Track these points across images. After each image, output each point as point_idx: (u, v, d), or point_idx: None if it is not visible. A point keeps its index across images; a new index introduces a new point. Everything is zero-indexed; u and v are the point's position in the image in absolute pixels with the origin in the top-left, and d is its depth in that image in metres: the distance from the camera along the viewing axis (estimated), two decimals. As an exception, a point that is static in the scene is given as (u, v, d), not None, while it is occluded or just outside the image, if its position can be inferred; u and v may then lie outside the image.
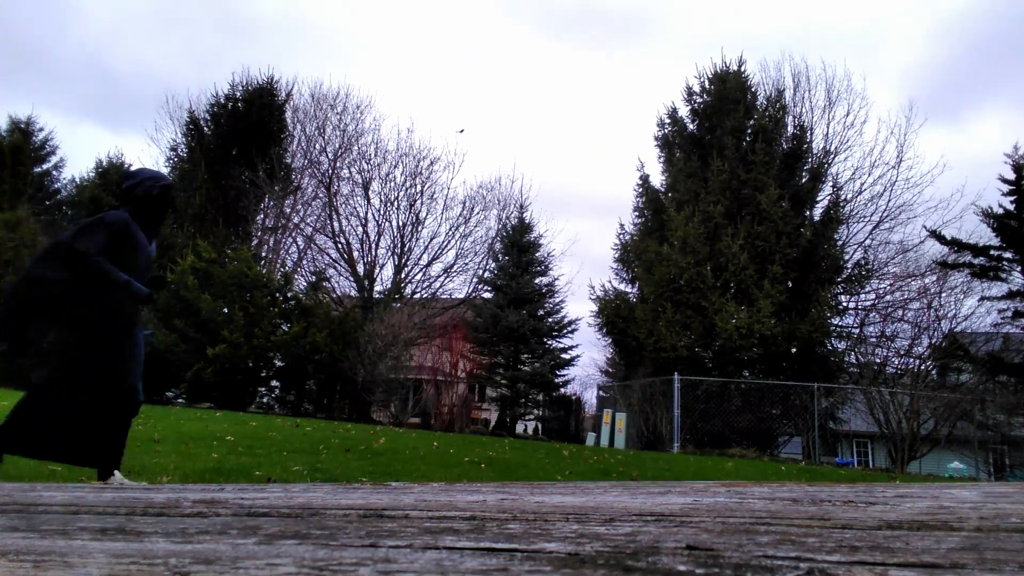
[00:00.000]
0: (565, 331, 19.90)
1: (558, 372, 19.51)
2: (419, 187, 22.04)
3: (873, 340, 17.51)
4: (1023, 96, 39.54)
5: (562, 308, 20.24)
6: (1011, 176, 15.79)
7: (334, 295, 20.64)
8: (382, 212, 22.02)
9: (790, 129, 18.25)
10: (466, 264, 22.41)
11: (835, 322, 17.12)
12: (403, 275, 21.76)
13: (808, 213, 17.65)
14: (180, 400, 16.98)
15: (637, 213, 19.50)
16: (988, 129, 36.94)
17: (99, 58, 49.39)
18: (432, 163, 22.27)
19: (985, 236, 16.16)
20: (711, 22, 43.86)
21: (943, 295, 16.82)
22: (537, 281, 19.94)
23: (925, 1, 40.64)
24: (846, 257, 17.83)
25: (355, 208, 22.32)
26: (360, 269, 21.82)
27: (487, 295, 20.92)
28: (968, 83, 42.11)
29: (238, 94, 20.78)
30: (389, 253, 21.99)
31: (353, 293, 21.55)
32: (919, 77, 42.33)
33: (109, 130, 50.27)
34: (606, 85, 55.59)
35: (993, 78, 42.97)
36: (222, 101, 20.62)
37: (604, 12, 56.17)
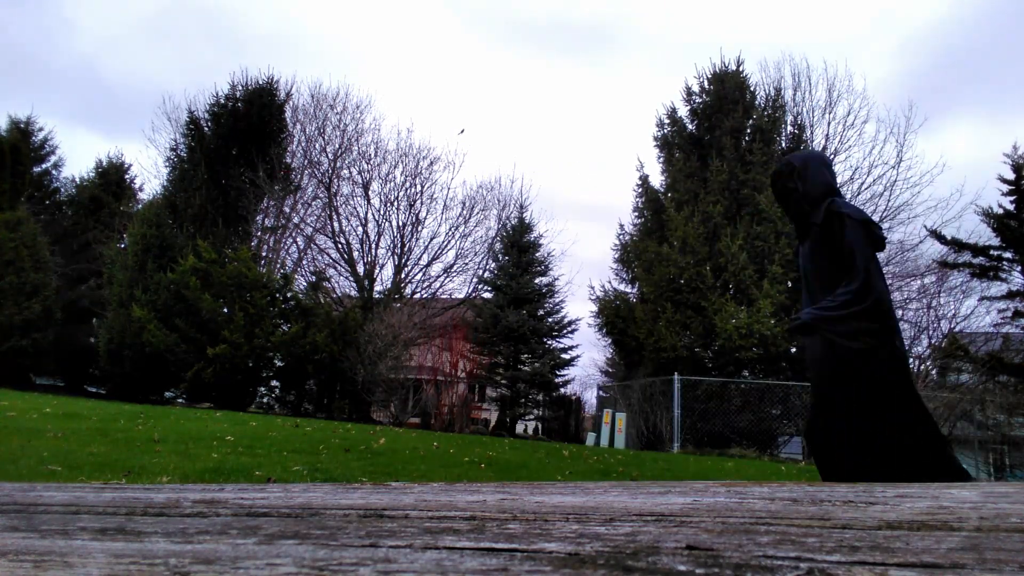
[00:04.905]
0: (565, 331, 19.89)
1: (558, 372, 19.50)
2: (419, 187, 22.05)
3: (873, 340, 17.51)
4: (986, 106, 40.40)
5: (562, 308, 20.24)
6: (1010, 176, 15.79)
7: (334, 295, 20.64)
8: (382, 212, 22.04)
9: (789, 129, 18.26)
10: (466, 264, 22.43)
11: (835, 322, 17.10)
12: (403, 275, 21.76)
13: (808, 213, 17.66)
14: (180, 400, 16.99)
15: (637, 213, 19.50)
16: (957, 137, 37.63)
17: (92, 68, 49.59)
18: (432, 163, 22.27)
19: (985, 236, 16.16)
20: (707, 25, 43.94)
21: (943, 295, 16.83)
22: (537, 281, 19.93)
23: (890, 19, 41.36)
24: (846, 257, 17.84)
25: (355, 208, 22.33)
26: (360, 269, 21.82)
27: (487, 295, 20.91)
28: (936, 93, 42.90)
29: (238, 94, 20.76)
30: (389, 253, 22.00)
31: (353, 293, 21.54)
32: (890, 87, 43.06)
33: (104, 136, 50.45)
34: (605, 88, 55.63)
35: (957, 91, 43.76)
36: (222, 101, 20.61)
37: (602, 14, 56.22)
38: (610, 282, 19.55)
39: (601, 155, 57.33)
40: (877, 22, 42.73)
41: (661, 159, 18.97)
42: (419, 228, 21.99)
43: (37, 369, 19.08)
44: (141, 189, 24.28)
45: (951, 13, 45.25)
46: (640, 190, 19.25)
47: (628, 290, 18.88)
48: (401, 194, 21.91)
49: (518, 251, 19.98)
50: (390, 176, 22.11)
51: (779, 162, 3.08)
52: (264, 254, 20.78)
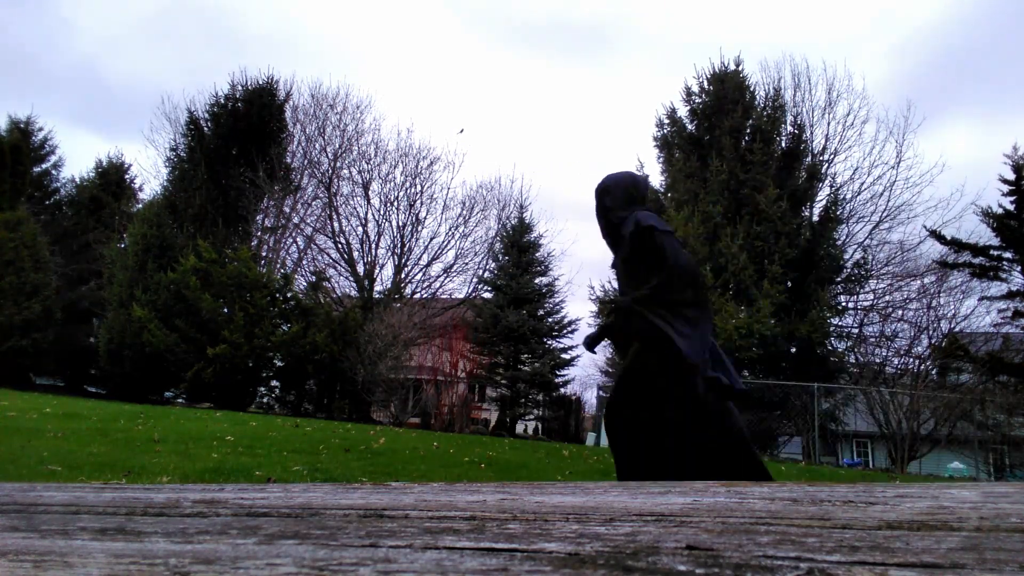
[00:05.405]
0: (565, 331, 19.88)
1: (558, 372, 19.49)
2: (419, 187, 22.05)
3: (873, 340, 17.53)
4: (986, 106, 40.67)
5: (562, 308, 20.23)
6: (1010, 176, 15.79)
7: (334, 295, 20.63)
8: (382, 212, 22.03)
9: (788, 128, 18.26)
10: (466, 264, 22.42)
11: (835, 322, 17.12)
12: (403, 275, 21.75)
13: (807, 213, 17.66)
14: (180, 400, 16.99)
15: (637, 213, 19.49)
16: (957, 137, 37.73)
17: (92, 68, 49.69)
18: (432, 163, 22.27)
19: (985, 236, 16.16)
20: (707, 25, 43.99)
21: (943, 295, 16.83)
22: (537, 281, 19.91)
23: (890, 19, 41.55)
24: (845, 257, 17.84)
25: (355, 208, 22.33)
26: (360, 269, 21.82)
27: (487, 295, 20.90)
28: (936, 93, 43.12)
29: (237, 94, 20.76)
30: (389, 253, 21.99)
31: (353, 293, 21.53)
32: (890, 87, 43.27)
33: (104, 136, 50.53)
34: (605, 88, 55.66)
35: (956, 91, 43.98)
36: (222, 101, 20.61)
37: (602, 14, 56.26)
38: (610, 282, 19.55)
39: (601, 155, 57.37)
40: (877, 22, 42.81)
41: (661, 159, 18.99)
42: (419, 228, 22.01)
43: (37, 369, 19.07)
44: (141, 189, 24.30)
45: (951, 13, 45.38)
46: (640, 190, 19.24)
47: (628, 290, 18.86)
48: (401, 194, 21.93)
49: (518, 251, 19.97)
50: (390, 176, 22.12)
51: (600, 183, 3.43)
52: (264, 254, 20.78)
